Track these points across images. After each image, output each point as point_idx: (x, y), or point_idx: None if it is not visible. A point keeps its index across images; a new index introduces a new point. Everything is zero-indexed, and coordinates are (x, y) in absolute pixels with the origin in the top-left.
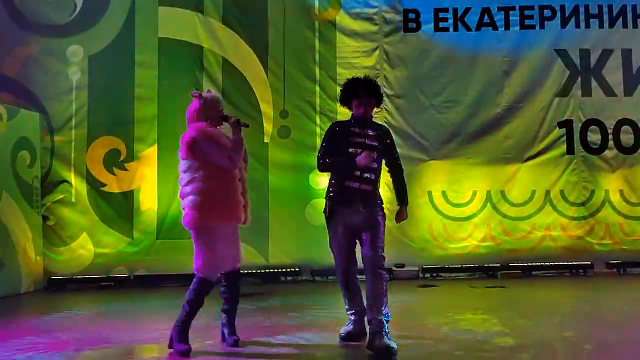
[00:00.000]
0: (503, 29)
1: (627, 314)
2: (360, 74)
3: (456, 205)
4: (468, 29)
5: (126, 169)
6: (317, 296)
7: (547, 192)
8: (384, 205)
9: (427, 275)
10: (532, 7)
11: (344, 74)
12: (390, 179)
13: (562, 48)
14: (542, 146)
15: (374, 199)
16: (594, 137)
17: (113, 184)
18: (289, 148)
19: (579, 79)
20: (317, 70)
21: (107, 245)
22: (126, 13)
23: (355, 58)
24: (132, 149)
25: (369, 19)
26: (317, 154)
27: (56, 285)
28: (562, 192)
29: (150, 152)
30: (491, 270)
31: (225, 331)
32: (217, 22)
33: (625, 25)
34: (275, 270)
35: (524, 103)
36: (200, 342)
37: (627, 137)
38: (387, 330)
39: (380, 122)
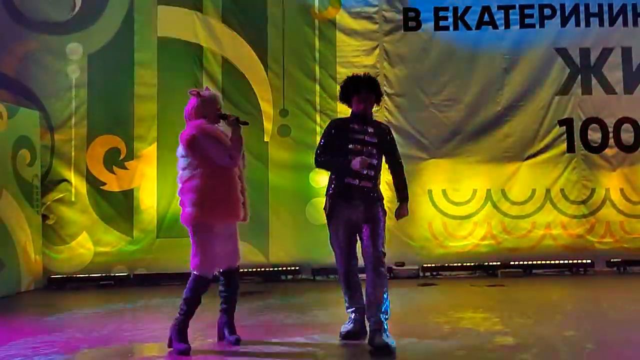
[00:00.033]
0: (503, 27)
1: (628, 312)
2: (360, 72)
3: (456, 204)
4: (468, 27)
5: (126, 168)
6: (317, 295)
7: (548, 191)
8: (384, 203)
9: (427, 273)
10: (532, 6)
11: (343, 73)
12: (391, 178)
13: (562, 47)
14: (543, 145)
15: (374, 195)
16: (595, 135)
17: (113, 183)
18: (289, 147)
19: (579, 77)
20: (317, 69)
21: (107, 244)
22: (125, 11)
23: (355, 57)
24: (132, 148)
25: (369, 17)
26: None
27: (56, 284)
28: (562, 190)
29: (150, 151)
30: (491, 269)
31: (226, 331)
32: (217, 21)
33: (625, 23)
34: (276, 269)
35: (524, 101)
36: (201, 341)
37: (627, 136)
38: (386, 327)
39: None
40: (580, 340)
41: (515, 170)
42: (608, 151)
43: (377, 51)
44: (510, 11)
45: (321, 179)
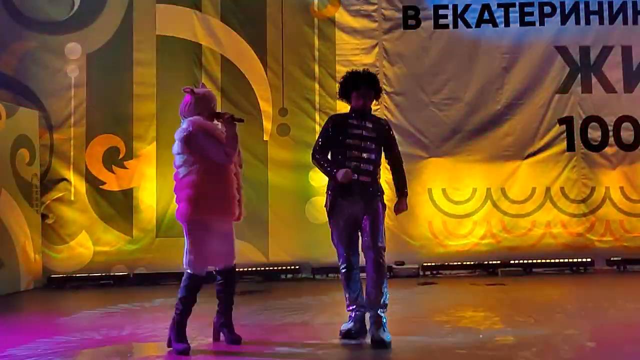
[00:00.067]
0: (503, 25)
1: (628, 311)
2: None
3: (456, 203)
4: (468, 25)
5: (125, 167)
6: (317, 294)
7: (548, 189)
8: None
9: (427, 272)
10: (532, 4)
11: (343, 72)
12: (390, 176)
13: (562, 45)
14: (542, 143)
15: (374, 189)
16: (594, 134)
17: (112, 182)
18: (288, 146)
19: (579, 75)
20: (316, 67)
21: (106, 243)
22: (124, 10)
23: (354, 55)
24: (131, 147)
25: (368, 16)
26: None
27: (55, 284)
28: (562, 189)
29: (149, 150)
30: (491, 268)
31: (226, 331)
32: (215, 20)
33: (625, 22)
34: (275, 268)
35: (524, 100)
36: (201, 340)
37: (627, 134)
38: (384, 322)
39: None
40: (581, 339)
41: (515, 168)
42: (608, 150)
43: (376, 49)
44: (510, 9)
45: (321, 177)
